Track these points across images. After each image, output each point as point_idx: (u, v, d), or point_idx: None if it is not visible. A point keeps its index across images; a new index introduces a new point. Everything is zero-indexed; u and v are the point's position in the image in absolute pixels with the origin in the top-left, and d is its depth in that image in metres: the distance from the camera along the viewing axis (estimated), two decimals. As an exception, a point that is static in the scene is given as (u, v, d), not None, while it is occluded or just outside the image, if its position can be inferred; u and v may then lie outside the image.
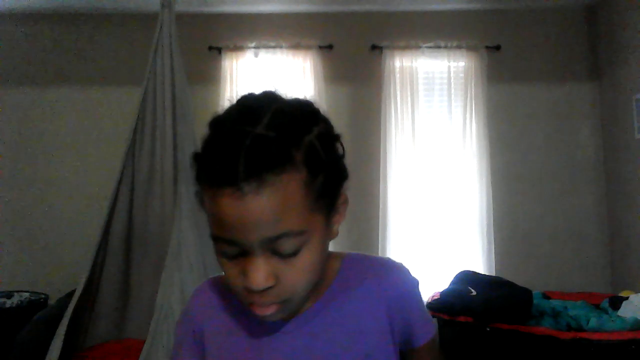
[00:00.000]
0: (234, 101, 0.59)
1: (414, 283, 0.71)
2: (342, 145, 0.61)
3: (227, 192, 0.51)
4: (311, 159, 0.54)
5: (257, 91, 0.60)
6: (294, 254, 0.55)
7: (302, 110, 0.58)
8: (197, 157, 0.56)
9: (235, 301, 0.67)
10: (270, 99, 0.58)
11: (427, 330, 0.72)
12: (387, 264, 0.72)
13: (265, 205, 0.51)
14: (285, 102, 0.58)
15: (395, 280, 0.69)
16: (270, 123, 0.53)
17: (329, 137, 0.59)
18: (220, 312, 0.70)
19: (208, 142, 0.55)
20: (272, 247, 0.54)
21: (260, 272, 0.54)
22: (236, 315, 0.69)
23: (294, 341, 0.65)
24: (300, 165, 0.53)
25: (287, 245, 0.54)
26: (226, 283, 0.62)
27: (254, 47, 3.54)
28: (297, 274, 0.56)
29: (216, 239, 0.56)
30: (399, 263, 0.72)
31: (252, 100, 0.58)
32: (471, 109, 3.48)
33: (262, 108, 0.54)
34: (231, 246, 0.55)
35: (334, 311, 0.66)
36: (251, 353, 0.66)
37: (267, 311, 0.57)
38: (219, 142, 0.54)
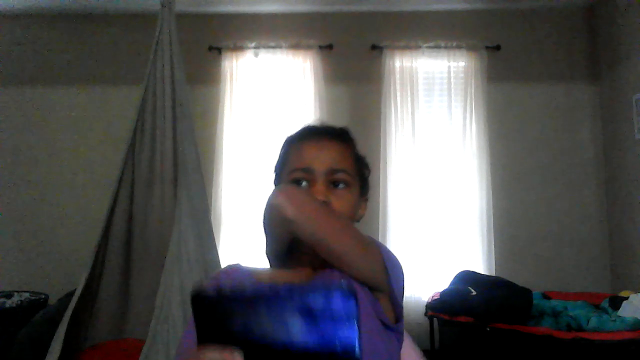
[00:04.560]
0: None
1: None
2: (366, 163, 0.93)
3: (313, 140, 0.85)
4: (356, 154, 0.89)
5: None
6: (343, 187, 0.82)
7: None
8: (288, 139, 0.90)
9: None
10: None
11: None
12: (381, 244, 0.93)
13: (334, 149, 0.84)
14: None
15: (395, 262, 0.89)
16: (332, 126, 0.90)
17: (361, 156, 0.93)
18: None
19: (297, 131, 0.89)
20: (331, 178, 0.81)
21: (321, 193, 0.79)
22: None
23: None
24: (352, 151, 0.88)
25: (341, 177, 0.82)
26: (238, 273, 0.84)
27: (254, 47, 3.54)
28: (340, 203, 0.81)
29: (295, 170, 0.82)
30: None
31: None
32: (471, 109, 3.48)
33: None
34: (305, 173, 0.81)
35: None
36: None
37: None
38: (309, 125, 0.89)
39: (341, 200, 0.81)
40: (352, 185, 0.83)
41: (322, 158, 0.81)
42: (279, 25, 3.61)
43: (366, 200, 0.92)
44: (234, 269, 0.85)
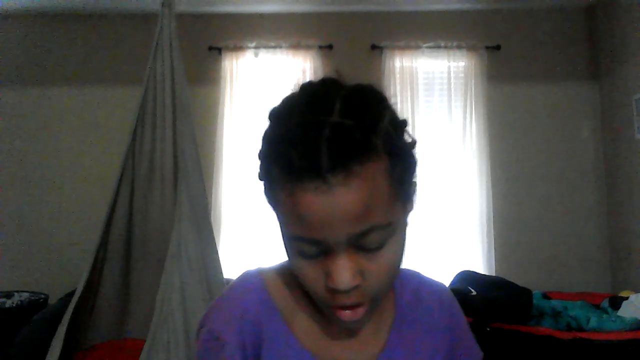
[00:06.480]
0: (295, 90, 0.56)
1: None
2: (409, 133, 0.57)
3: (311, 186, 0.47)
4: (389, 145, 0.51)
5: (317, 79, 0.57)
6: (379, 248, 0.52)
7: (371, 96, 0.55)
8: (264, 153, 0.53)
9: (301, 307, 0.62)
10: (334, 85, 0.55)
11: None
12: (444, 291, 0.75)
13: (353, 197, 0.47)
14: (351, 88, 0.55)
15: (457, 313, 0.74)
16: (344, 111, 0.49)
17: (398, 122, 0.56)
18: (282, 316, 0.61)
19: (277, 135, 0.51)
20: (357, 243, 0.51)
21: (346, 271, 0.50)
22: (304, 324, 0.61)
23: None
24: (381, 152, 0.50)
25: (373, 240, 0.51)
26: (281, 281, 0.62)
27: (254, 47, 3.55)
28: (382, 268, 0.53)
29: (295, 239, 0.52)
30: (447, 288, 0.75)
31: (316, 88, 0.55)
32: (471, 109, 3.48)
33: (330, 95, 0.52)
34: (313, 246, 0.51)
35: (408, 344, 0.65)
36: None
37: (356, 316, 0.53)
38: (292, 133, 0.49)
39: (381, 264, 0.53)
40: (393, 231, 0.53)
41: (336, 222, 0.48)
42: (279, 25, 3.61)
43: (415, 191, 0.59)
44: (249, 291, 0.62)
